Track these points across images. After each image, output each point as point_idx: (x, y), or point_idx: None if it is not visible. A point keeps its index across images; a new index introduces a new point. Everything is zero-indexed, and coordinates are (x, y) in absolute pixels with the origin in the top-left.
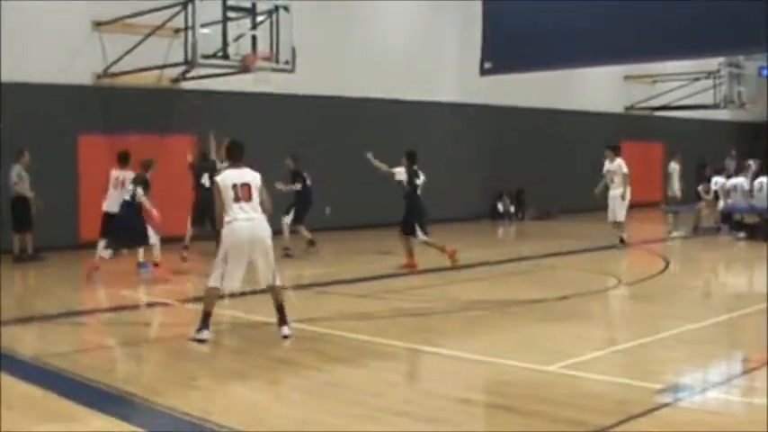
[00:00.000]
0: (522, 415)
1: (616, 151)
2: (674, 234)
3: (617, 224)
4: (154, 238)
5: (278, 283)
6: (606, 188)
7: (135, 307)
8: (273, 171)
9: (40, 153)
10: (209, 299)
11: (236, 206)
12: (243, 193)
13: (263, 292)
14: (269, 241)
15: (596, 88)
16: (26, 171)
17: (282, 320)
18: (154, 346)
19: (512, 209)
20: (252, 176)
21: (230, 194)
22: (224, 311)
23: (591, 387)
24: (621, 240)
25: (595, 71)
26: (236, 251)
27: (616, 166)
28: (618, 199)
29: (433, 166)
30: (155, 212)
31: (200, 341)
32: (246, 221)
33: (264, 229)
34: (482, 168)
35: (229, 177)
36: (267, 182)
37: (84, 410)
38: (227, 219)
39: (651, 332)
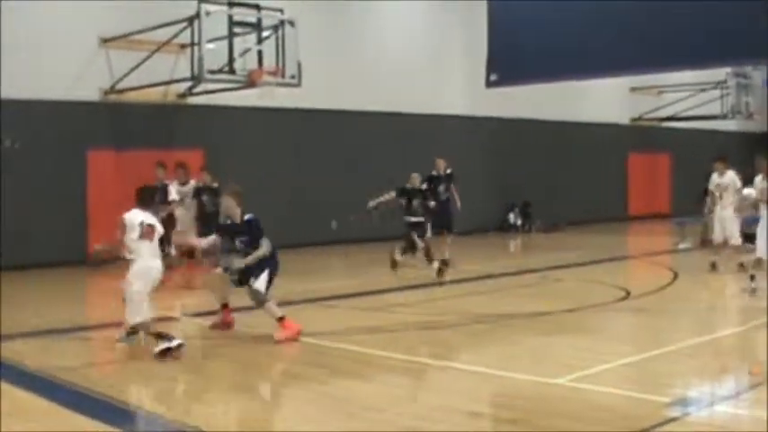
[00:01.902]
0: (532, 429)
1: (726, 163)
2: (682, 246)
3: (733, 247)
4: None
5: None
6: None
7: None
8: (275, 185)
9: (49, 169)
10: None
11: None
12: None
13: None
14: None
15: (602, 100)
16: None
17: None
18: (161, 359)
19: (519, 221)
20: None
21: None
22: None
23: (600, 400)
24: (742, 265)
25: (601, 83)
26: None
27: (728, 179)
28: (731, 218)
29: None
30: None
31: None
32: None
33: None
34: (489, 181)
35: None
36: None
37: (93, 423)
38: None
39: (659, 345)
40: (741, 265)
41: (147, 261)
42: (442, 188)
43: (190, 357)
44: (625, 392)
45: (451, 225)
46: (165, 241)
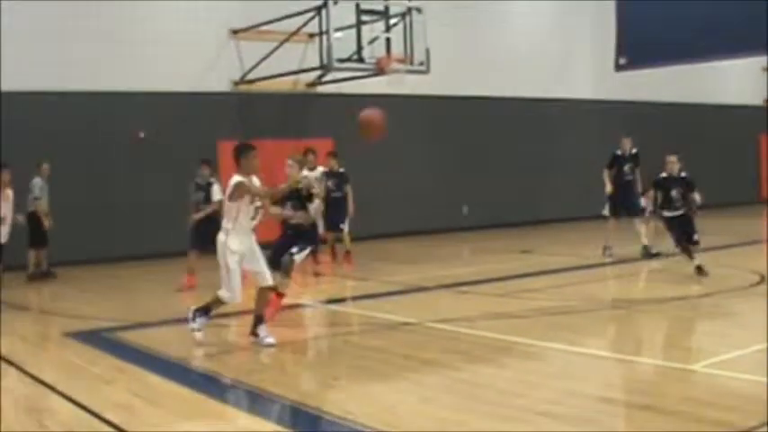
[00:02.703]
0: (665, 414)
1: None
2: None
3: None
4: None
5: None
6: None
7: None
8: (412, 171)
9: (182, 160)
10: None
11: None
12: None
13: (399, 293)
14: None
15: (735, 80)
16: (46, 183)
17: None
18: (296, 346)
19: (650, 205)
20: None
21: None
22: (362, 312)
23: (735, 386)
24: None
25: (731, 63)
26: None
27: None
28: None
29: (569, 163)
30: None
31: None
32: None
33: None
34: None
35: None
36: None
37: (230, 409)
38: None
39: None
40: None
41: None
42: (627, 168)
43: (324, 344)
44: (759, 378)
45: (636, 208)
46: None
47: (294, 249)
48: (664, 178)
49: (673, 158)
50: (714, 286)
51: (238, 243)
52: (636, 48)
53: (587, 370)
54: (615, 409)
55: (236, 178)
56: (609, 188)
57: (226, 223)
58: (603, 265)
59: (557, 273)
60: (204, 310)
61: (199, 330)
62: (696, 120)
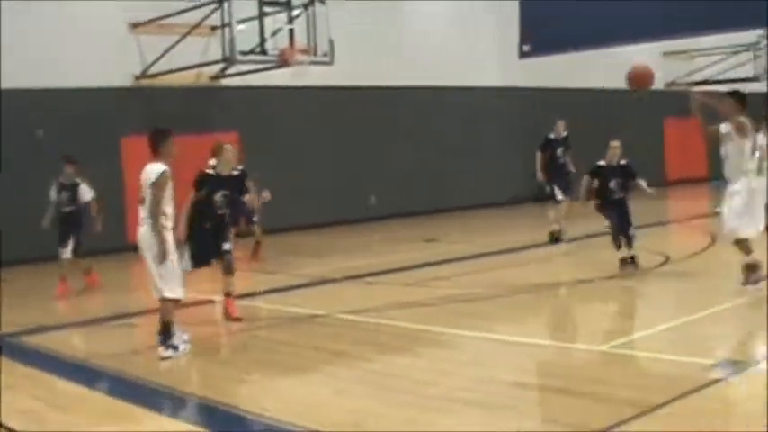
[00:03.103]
0: (577, 396)
1: None
2: (719, 209)
3: None
4: None
5: (167, 295)
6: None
7: (184, 305)
8: (318, 162)
9: (83, 158)
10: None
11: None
12: (142, 194)
13: (307, 285)
14: (151, 252)
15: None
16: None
17: (162, 339)
18: (205, 343)
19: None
20: (148, 174)
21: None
22: (271, 306)
23: (643, 365)
24: None
25: (633, 48)
26: None
27: None
28: None
29: (476, 151)
30: None
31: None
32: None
33: (144, 239)
34: (525, 151)
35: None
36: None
37: (139, 410)
38: None
39: (700, 308)
40: None
41: None
42: (559, 151)
43: (235, 340)
44: (668, 356)
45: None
46: None
47: (226, 246)
48: (601, 167)
49: (615, 144)
50: (616, 269)
51: (170, 236)
52: (539, 35)
53: (499, 356)
54: (529, 394)
55: (160, 166)
56: (540, 175)
57: (151, 215)
58: (510, 251)
59: (463, 260)
60: (167, 332)
61: (179, 349)
62: (601, 105)
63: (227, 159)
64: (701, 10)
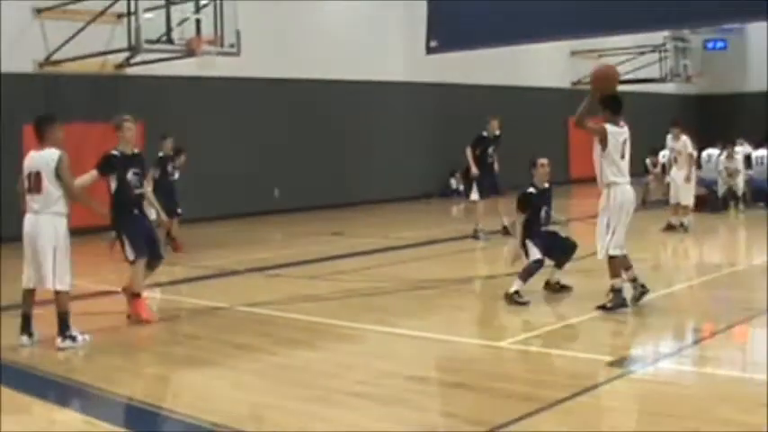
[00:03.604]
0: (476, 392)
1: (681, 128)
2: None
3: (682, 208)
4: None
5: (58, 288)
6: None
7: (84, 296)
8: (222, 154)
9: None
10: None
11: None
12: (34, 182)
13: (210, 277)
14: (42, 240)
15: (543, 64)
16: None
17: (60, 330)
18: (105, 336)
19: (461, 187)
20: (40, 161)
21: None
22: (171, 297)
23: (543, 361)
24: (682, 225)
25: (542, 47)
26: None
27: (681, 144)
28: (681, 181)
29: (383, 146)
30: None
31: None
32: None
33: (37, 227)
34: (432, 147)
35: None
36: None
37: (38, 402)
38: None
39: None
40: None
41: None
42: (490, 150)
43: (135, 331)
44: (568, 353)
45: (500, 188)
46: None
47: (159, 245)
48: (534, 194)
49: (544, 161)
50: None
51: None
52: (446, 31)
53: (400, 350)
54: (427, 388)
55: (55, 151)
56: (474, 170)
57: (45, 204)
58: (415, 245)
59: (367, 254)
60: (64, 323)
61: (78, 340)
62: (508, 102)
63: (128, 138)
64: (609, 11)
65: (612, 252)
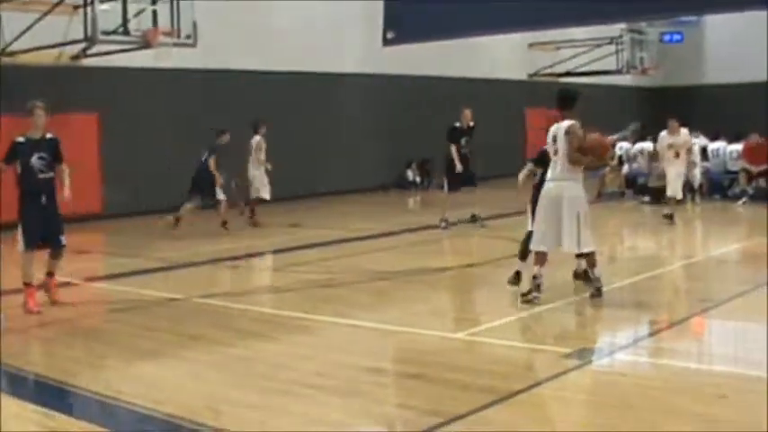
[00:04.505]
0: (433, 383)
1: (679, 123)
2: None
3: (676, 201)
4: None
5: None
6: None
7: (39, 288)
8: (179, 146)
9: None
10: None
11: None
12: None
13: (167, 269)
14: None
15: (500, 56)
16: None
17: None
18: (60, 326)
19: (417, 178)
20: None
21: None
22: (128, 288)
23: (500, 353)
24: (670, 216)
25: (498, 38)
26: None
27: (682, 139)
28: (679, 176)
29: (340, 137)
30: None
31: None
32: None
33: None
34: (388, 138)
35: None
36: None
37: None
38: None
39: (558, 297)
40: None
41: None
42: (463, 141)
43: (90, 323)
44: (525, 344)
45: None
46: None
47: (62, 237)
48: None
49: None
50: (481, 256)
51: None
52: (403, 23)
53: (356, 341)
54: (384, 380)
55: None
56: (459, 167)
57: None
58: (372, 237)
59: (325, 246)
60: None
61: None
62: (464, 94)
63: (39, 124)
64: (566, 3)
65: (533, 247)
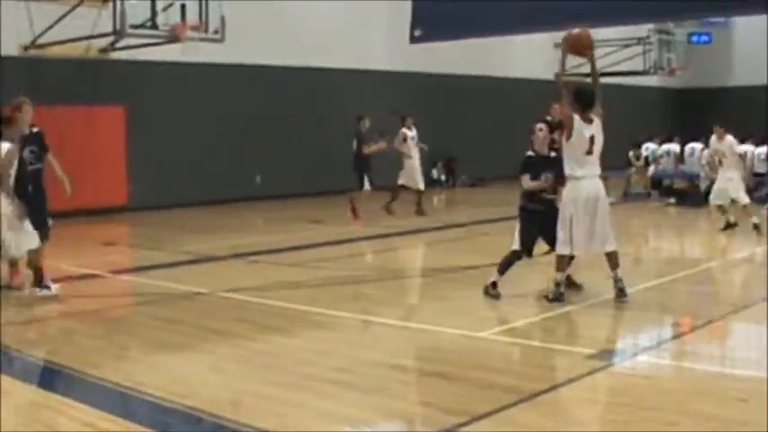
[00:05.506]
0: (456, 382)
1: (724, 128)
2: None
3: (743, 206)
4: None
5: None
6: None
7: (65, 279)
8: (206, 139)
9: None
10: None
11: None
12: None
13: (191, 262)
14: None
15: (526, 55)
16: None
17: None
18: (85, 317)
19: (443, 177)
20: None
21: None
22: (154, 282)
23: (524, 353)
24: (756, 226)
25: (524, 38)
26: None
27: (727, 145)
28: (738, 181)
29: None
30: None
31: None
32: None
33: None
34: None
35: None
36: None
37: (16, 383)
38: None
39: (582, 298)
40: (755, 227)
41: None
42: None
43: (115, 315)
44: (549, 345)
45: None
46: None
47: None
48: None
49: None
50: (501, 255)
51: None
52: (431, 20)
53: (379, 338)
54: (406, 377)
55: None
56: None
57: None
58: (395, 234)
59: (348, 243)
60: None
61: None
62: (490, 93)
63: (26, 119)
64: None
65: (559, 251)
